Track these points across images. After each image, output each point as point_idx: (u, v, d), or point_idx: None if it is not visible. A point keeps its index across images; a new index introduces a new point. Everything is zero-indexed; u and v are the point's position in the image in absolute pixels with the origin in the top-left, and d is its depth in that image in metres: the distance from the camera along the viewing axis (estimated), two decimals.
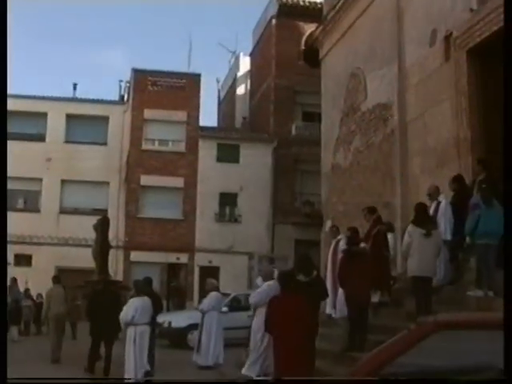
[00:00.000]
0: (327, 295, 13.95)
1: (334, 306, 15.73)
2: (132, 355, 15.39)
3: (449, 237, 14.74)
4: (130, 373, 15.25)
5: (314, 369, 12.41)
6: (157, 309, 17.45)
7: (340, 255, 15.36)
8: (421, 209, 13.83)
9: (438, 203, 15.25)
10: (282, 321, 11.67)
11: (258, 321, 14.43)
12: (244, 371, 14.54)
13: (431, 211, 15.40)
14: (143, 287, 16.85)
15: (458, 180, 15.16)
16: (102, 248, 23.71)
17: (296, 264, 14.54)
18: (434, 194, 15.99)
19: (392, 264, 17.15)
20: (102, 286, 19.36)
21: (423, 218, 13.37)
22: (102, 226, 24.22)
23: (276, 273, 15.61)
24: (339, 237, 17.32)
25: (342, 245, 15.62)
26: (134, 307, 15.69)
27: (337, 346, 14.34)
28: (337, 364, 12.88)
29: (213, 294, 19.43)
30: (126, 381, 9.15)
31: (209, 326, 18.78)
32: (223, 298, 21.24)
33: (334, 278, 15.47)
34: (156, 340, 17.63)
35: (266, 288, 14.84)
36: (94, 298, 18.59)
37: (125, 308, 15.85)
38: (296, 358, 11.56)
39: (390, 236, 17.22)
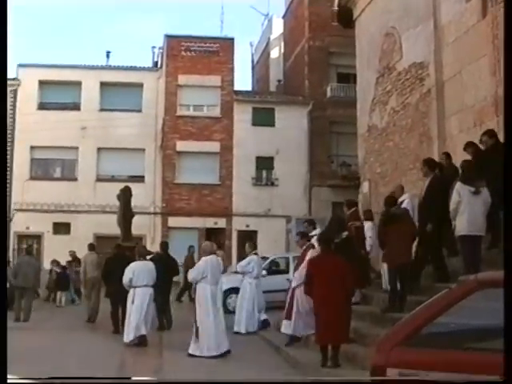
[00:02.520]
0: (357, 257, 13.90)
1: None
2: (129, 316, 16.54)
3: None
4: (128, 333, 16.40)
5: (349, 330, 12.39)
6: (172, 272, 19.82)
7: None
8: (468, 166, 13.53)
9: (401, 202, 15.24)
10: (321, 281, 11.68)
11: (199, 296, 14.74)
12: (196, 352, 14.42)
13: None
14: (144, 251, 18.39)
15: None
16: (124, 216, 25.26)
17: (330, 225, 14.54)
18: (398, 192, 15.98)
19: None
20: (116, 251, 20.74)
21: (471, 176, 13.03)
22: (124, 196, 25.74)
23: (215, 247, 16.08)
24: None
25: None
26: (131, 270, 16.70)
27: (377, 307, 14.33)
28: (376, 325, 12.85)
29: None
30: (127, 380, 9.31)
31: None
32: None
33: None
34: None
35: (202, 264, 15.02)
36: (108, 263, 20.10)
37: (125, 271, 16.79)
38: (336, 319, 11.58)
39: (367, 226, 17.17)
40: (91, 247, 24.19)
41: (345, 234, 13.63)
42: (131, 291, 16.65)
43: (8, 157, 39.43)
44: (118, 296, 18.22)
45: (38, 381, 9.34)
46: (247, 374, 12.47)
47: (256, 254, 19.85)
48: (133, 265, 16.99)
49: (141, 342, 16.25)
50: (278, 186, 40.87)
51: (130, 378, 9.57)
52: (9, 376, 6.79)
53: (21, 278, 21.66)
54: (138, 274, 16.63)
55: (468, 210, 12.53)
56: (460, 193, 12.64)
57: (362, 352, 11.79)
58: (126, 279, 16.67)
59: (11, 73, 41.77)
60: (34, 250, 37.89)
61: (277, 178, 41.00)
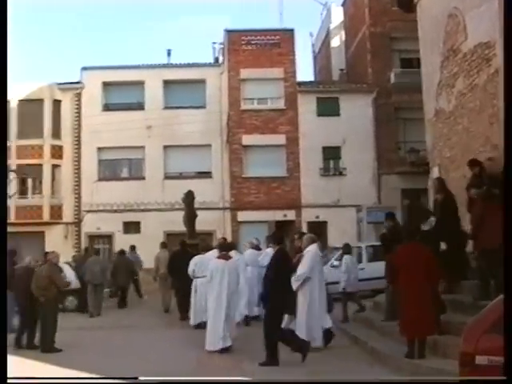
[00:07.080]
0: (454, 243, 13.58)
1: None
2: (194, 303, 18.95)
3: None
4: (192, 319, 19.04)
5: (435, 318, 12.10)
6: None
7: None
8: None
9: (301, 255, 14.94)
10: (406, 273, 11.51)
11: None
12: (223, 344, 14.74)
13: None
14: (205, 246, 20.56)
15: None
16: (189, 216, 28.54)
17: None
18: (305, 242, 15.44)
19: None
20: (180, 248, 23.65)
21: None
22: (188, 199, 29.03)
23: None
24: None
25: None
26: (193, 263, 19.02)
27: (457, 295, 14.09)
28: (458, 313, 12.61)
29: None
30: (134, 380, 9.41)
31: None
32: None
33: None
34: None
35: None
36: (172, 258, 23.24)
37: (190, 264, 19.10)
38: (421, 312, 11.39)
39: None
40: (163, 245, 27.02)
41: (433, 220, 13.26)
42: (194, 282, 18.92)
43: (76, 159, 40.08)
44: (181, 287, 21.08)
45: (37, 381, 9.40)
46: (329, 365, 12.41)
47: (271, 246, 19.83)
48: (195, 258, 19.23)
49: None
50: (345, 176, 40.63)
51: (136, 378, 9.57)
52: (9, 376, 6.83)
53: (89, 275, 24.05)
54: (200, 266, 18.49)
55: None
56: None
57: (443, 340, 11.59)
58: (190, 271, 18.94)
59: (75, 76, 42.42)
60: (107, 250, 38.63)
61: (344, 168, 40.76)
